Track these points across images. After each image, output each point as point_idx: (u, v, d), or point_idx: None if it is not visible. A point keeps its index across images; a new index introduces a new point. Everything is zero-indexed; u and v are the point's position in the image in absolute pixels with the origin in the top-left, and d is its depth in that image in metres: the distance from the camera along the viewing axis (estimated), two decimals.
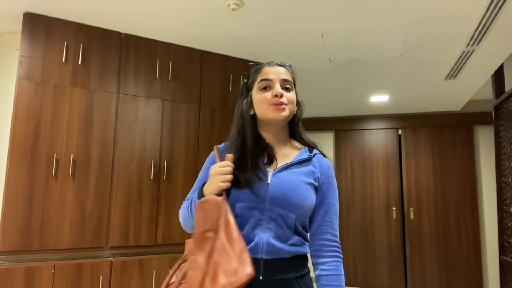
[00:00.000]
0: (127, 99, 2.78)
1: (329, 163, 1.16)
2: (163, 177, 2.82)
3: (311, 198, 1.06)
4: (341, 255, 1.09)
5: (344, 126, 5.54)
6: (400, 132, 5.33)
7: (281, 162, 1.10)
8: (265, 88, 1.11)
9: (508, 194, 3.26)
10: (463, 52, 3.08)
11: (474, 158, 4.96)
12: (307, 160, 1.12)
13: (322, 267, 1.06)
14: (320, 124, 5.61)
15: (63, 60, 2.57)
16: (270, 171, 1.07)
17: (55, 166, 2.47)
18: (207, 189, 1.03)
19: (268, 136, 1.15)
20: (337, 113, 5.43)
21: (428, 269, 4.92)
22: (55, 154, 2.48)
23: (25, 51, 2.48)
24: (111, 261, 2.54)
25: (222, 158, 1.10)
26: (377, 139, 5.39)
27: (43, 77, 2.51)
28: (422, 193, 5.09)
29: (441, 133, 5.13)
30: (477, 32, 2.71)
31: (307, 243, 1.08)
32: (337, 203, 1.12)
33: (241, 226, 1.02)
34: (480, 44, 2.90)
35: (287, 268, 1.01)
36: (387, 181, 5.26)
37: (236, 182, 1.03)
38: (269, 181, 1.04)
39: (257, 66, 1.18)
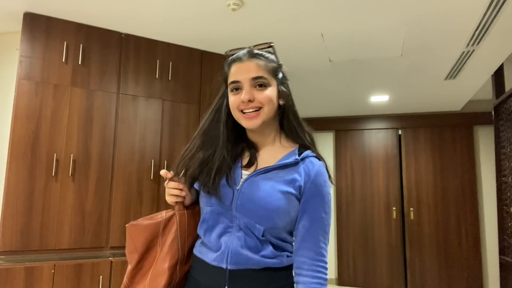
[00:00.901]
0: (127, 99, 2.77)
1: (320, 169, 0.98)
2: (163, 177, 2.82)
3: (285, 209, 0.92)
4: (325, 276, 0.93)
5: (344, 126, 5.54)
6: (400, 132, 5.33)
7: (262, 164, 0.99)
8: (236, 90, 0.99)
9: (508, 194, 3.26)
10: (463, 52, 3.08)
11: (474, 158, 4.96)
12: (293, 165, 0.97)
13: (299, 286, 0.93)
14: (320, 124, 5.61)
15: (63, 60, 2.57)
16: (245, 174, 0.98)
17: (55, 166, 2.47)
18: None
19: (251, 135, 1.04)
20: (337, 113, 5.43)
21: (428, 269, 4.92)
22: (55, 154, 2.48)
23: (25, 51, 2.48)
24: (111, 261, 2.54)
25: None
26: (377, 139, 5.39)
27: (43, 77, 2.51)
28: (422, 193, 5.09)
29: (441, 133, 5.13)
30: (477, 32, 2.71)
31: (285, 255, 0.95)
32: (326, 216, 0.95)
33: (209, 231, 0.97)
34: (480, 44, 2.90)
35: (255, 280, 0.91)
36: (387, 181, 5.26)
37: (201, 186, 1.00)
38: (238, 187, 0.95)
39: (229, 60, 1.04)
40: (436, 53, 3.15)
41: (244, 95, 0.96)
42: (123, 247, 2.67)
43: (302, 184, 0.95)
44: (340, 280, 5.25)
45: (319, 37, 2.88)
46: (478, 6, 2.37)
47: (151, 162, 2.79)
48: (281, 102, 1.03)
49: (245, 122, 0.97)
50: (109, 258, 2.55)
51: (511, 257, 3.18)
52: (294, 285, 0.95)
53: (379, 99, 4.61)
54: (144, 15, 2.57)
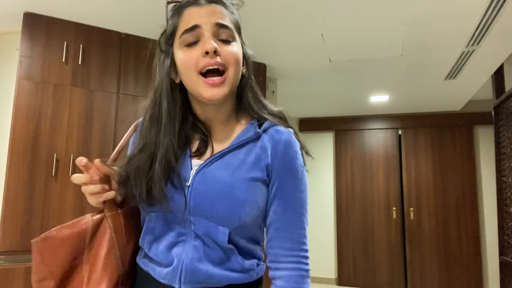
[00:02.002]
0: (127, 99, 2.77)
1: (289, 137, 0.77)
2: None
3: (253, 201, 0.73)
4: (307, 267, 0.75)
5: (344, 126, 5.54)
6: (400, 132, 5.33)
7: (216, 147, 0.77)
8: (191, 45, 0.72)
9: (508, 194, 3.26)
10: (463, 52, 3.08)
11: (474, 158, 4.96)
12: (254, 140, 0.76)
13: (277, 282, 0.74)
14: (320, 124, 5.61)
15: (63, 60, 2.57)
16: (196, 164, 0.75)
17: (55, 166, 2.47)
18: None
19: (201, 110, 0.79)
20: (337, 113, 5.43)
21: (428, 269, 4.92)
22: (55, 154, 2.48)
23: (25, 51, 2.48)
24: None
25: (135, 142, 0.82)
26: (377, 139, 5.39)
27: (43, 77, 2.51)
28: (422, 193, 5.09)
29: (441, 133, 5.13)
30: (477, 32, 2.71)
31: (255, 264, 0.76)
32: (302, 194, 0.76)
33: (155, 241, 0.75)
34: (480, 44, 2.90)
35: None
36: (387, 181, 5.26)
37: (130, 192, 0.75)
38: (189, 183, 0.73)
39: (177, 5, 0.77)
40: (436, 53, 3.15)
41: (207, 45, 0.70)
42: None
43: (270, 160, 0.75)
44: (340, 280, 5.25)
45: (319, 37, 2.88)
46: (478, 6, 2.37)
47: None
48: (244, 70, 0.79)
49: (207, 91, 0.71)
50: None
51: (511, 257, 3.18)
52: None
53: (379, 99, 4.61)
54: (144, 15, 2.57)
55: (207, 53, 0.70)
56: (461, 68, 3.44)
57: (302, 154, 0.79)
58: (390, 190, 5.23)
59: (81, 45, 2.63)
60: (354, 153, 5.48)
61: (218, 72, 0.72)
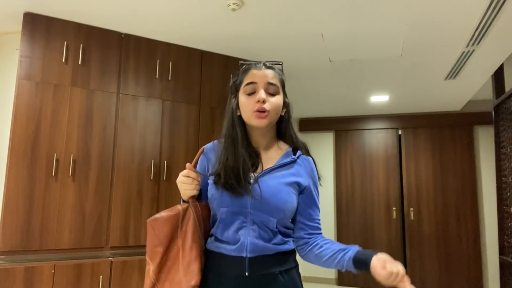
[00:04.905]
0: (127, 99, 2.78)
1: (313, 164, 1.20)
2: (163, 177, 2.82)
3: (291, 201, 1.10)
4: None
5: (344, 126, 5.54)
6: (400, 132, 5.33)
7: (265, 165, 1.14)
8: (250, 94, 1.12)
9: (508, 194, 3.26)
10: (463, 52, 3.08)
11: (474, 158, 4.96)
12: (291, 163, 1.15)
13: (317, 241, 1.13)
14: (320, 124, 5.61)
15: (63, 60, 2.57)
16: (253, 176, 1.10)
17: (55, 166, 2.47)
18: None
19: (254, 138, 1.17)
20: (337, 113, 5.43)
21: (428, 269, 4.92)
22: (55, 154, 2.48)
23: (25, 51, 2.48)
24: (111, 261, 2.54)
25: (202, 162, 1.17)
26: (377, 139, 5.39)
27: (43, 77, 2.51)
28: (422, 193, 5.09)
29: (441, 133, 5.13)
30: (477, 32, 2.71)
31: (290, 240, 1.13)
32: (318, 198, 1.21)
33: (226, 228, 1.09)
34: (480, 44, 2.90)
35: (270, 263, 1.07)
36: (387, 181, 5.26)
37: (222, 185, 1.08)
38: (251, 187, 1.08)
39: (245, 67, 1.18)
40: (436, 53, 3.15)
41: (260, 95, 1.09)
42: (123, 247, 2.69)
43: (301, 179, 1.14)
44: (340, 280, 5.25)
45: (319, 37, 2.88)
46: (478, 6, 2.38)
47: (151, 162, 2.79)
48: (283, 113, 1.18)
49: (255, 120, 1.10)
50: (109, 258, 2.55)
51: (511, 257, 3.18)
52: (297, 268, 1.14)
53: (379, 99, 4.61)
54: (144, 15, 2.57)
55: (258, 101, 1.09)
56: (461, 68, 3.44)
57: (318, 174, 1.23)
58: (390, 190, 5.23)
59: (81, 45, 2.63)
60: (354, 153, 5.48)
61: (264, 112, 1.10)
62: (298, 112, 5.39)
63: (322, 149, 5.62)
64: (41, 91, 2.49)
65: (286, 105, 1.19)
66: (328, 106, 5.05)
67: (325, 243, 1.12)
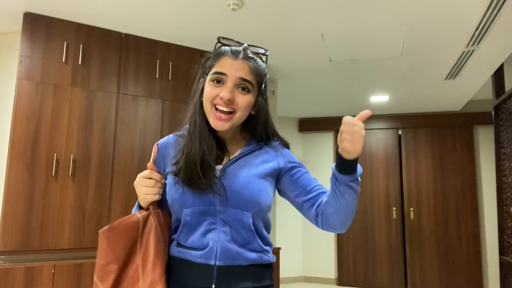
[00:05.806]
0: (127, 99, 2.77)
1: (281, 145, 1.04)
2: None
3: (266, 190, 0.94)
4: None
5: None
6: (400, 132, 5.33)
7: (231, 155, 0.98)
8: (218, 82, 0.93)
9: (508, 194, 3.26)
10: (463, 52, 3.08)
11: (474, 158, 4.96)
12: (258, 149, 1.00)
13: (321, 208, 0.95)
14: (320, 124, 5.61)
15: (63, 60, 2.57)
16: (218, 168, 0.95)
17: (55, 166, 2.47)
18: (140, 199, 0.94)
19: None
20: (337, 113, 5.43)
21: (428, 269, 4.92)
22: (55, 154, 2.48)
23: (25, 51, 2.48)
24: None
25: (157, 159, 1.00)
26: (377, 139, 5.39)
27: (43, 77, 2.51)
28: (422, 193, 5.09)
29: (441, 133, 5.13)
30: (477, 32, 2.71)
31: (270, 250, 0.97)
32: (306, 170, 1.05)
33: (191, 233, 0.92)
34: (480, 44, 2.90)
35: (243, 277, 0.90)
36: (387, 181, 5.26)
37: (182, 182, 0.91)
38: (217, 181, 0.91)
39: (220, 49, 1.00)
40: (436, 53, 3.15)
41: (225, 93, 0.91)
42: None
43: (273, 163, 0.98)
44: (340, 280, 5.25)
45: (319, 37, 2.88)
46: (478, 6, 2.38)
47: None
48: (253, 113, 0.99)
49: (213, 121, 0.93)
50: None
51: (511, 257, 3.18)
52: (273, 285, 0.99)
53: (379, 99, 4.61)
54: (144, 15, 2.57)
55: (222, 98, 0.91)
56: (461, 68, 3.44)
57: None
58: (390, 190, 5.23)
59: (81, 45, 2.63)
60: None
61: (227, 114, 0.92)
62: (298, 112, 5.39)
63: (322, 149, 5.62)
64: (41, 91, 2.49)
65: (257, 105, 0.99)
66: (328, 106, 5.05)
67: (324, 202, 0.94)
